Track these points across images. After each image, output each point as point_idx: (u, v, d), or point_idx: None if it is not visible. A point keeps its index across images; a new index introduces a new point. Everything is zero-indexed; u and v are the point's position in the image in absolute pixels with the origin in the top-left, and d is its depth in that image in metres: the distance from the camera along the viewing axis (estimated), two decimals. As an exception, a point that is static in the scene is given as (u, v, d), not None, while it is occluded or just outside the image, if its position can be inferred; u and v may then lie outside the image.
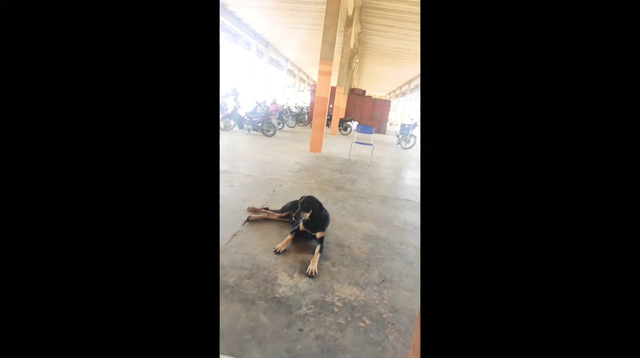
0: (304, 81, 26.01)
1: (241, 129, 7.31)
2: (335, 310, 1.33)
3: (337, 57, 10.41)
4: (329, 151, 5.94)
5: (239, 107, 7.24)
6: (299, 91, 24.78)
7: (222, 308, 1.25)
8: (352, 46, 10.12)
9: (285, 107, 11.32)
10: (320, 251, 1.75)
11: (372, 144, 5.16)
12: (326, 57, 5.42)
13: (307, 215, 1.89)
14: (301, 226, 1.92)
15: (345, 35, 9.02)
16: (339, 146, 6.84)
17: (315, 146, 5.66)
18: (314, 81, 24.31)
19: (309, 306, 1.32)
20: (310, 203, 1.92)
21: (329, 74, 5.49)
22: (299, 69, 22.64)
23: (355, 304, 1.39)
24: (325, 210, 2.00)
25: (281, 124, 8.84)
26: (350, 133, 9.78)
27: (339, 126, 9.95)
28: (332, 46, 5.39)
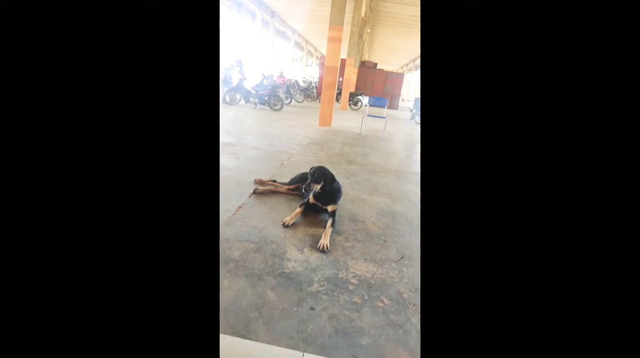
0: (312, 54, 24.98)
1: (247, 103, 7.07)
2: (350, 287, 1.21)
3: (347, 28, 9.80)
4: (338, 125, 5.70)
5: (245, 79, 6.94)
6: (307, 65, 23.88)
7: (226, 283, 1.14)
8: (363, 13, 9.45)
9: (292, 81, 10.90)
10: (332, 225, 1.62)
11: (384, 117, 4.89)
12: (336, 22, 5.02)
13: (317, 187, 1.74)
14: (311, 198, 1.78)
15: (356, 1, 8.40)
16: (349, 120, 6.57)
17: (325, 120, 5.42)
18: (323, 54, 23.39)
19: (321, 283, 1.21)
20: (322, 174, 1.77)
21: (339, 40, 5.12)
22: (307, 42, 21.68)
23: (372, 282, 1.26)
24: (338, 182, 1.85)
25: (289, 99, 8.52)
26: (361, 108, 9.40)
27: (349, 100, 9.54)
28: (343, 9, 4.98)
